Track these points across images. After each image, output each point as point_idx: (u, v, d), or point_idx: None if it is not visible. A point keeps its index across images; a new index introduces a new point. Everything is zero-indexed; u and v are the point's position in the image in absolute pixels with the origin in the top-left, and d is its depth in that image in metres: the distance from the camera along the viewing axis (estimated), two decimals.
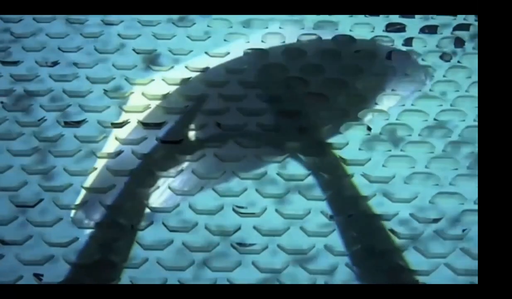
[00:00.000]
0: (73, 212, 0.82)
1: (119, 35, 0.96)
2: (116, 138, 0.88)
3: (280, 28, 0.96)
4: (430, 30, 0.97)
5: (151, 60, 0.94)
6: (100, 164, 0.86)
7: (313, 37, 0.95)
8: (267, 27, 0.96)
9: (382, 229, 0.81)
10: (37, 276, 0.79)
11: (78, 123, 0.89)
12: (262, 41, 0.95)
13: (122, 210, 0.83)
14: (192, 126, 0.89)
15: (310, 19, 0.97)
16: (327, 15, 0.97)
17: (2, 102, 0.90)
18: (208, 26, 0.97)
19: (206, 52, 0.94)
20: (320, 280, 0.78)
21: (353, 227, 0.82)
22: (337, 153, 0.87)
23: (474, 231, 0.81)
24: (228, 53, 0.94)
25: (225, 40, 0.95)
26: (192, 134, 0.88)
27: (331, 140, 0.88)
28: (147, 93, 0.91)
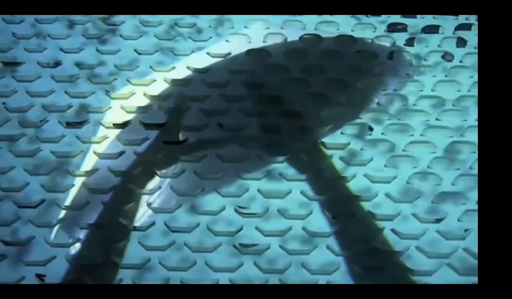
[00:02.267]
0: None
1: (120, 36, 0.96)
2: (117, 139, 0.88)
3: (281, 28, 0.96)
4: (432, 30, 0.97)
5: (152, 61, 0.94)
6: (101, 165, 0.86)
7: (315, 37, 0.95)
8: (268, 28, 0.96)
9: (379, 229, 0.81)
10: (39, 276, 0.79)
11: (80, 124, 0.89)
12: (264, 42, 0.95)
13: (120, 210, 0.83)
14: (191, 127, 0.89)
15: (311, 20, 0.97)
16: (328, 15, 0.97)
17: (3, 103, 0.90)
18: (209, 26, 0.97)
19: (207, 53, 0.94)
20: (322, 281, 0.78)
21: (352, 227, 0.82)
22: (335, 153, 0.87)
23: (476, 231, 0.81)
24: (230, 53, 0.94)
25: (226, 40, 0.95)
26: (192, 135, 0.88)
27: (330, 140, 0.88)
28: (148, 94, 0.92)
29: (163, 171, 0.86)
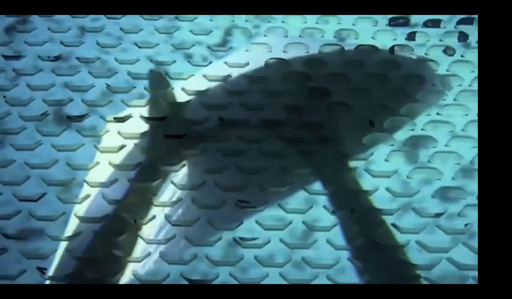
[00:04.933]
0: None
1: (121, 29, 0.96)
2: (119, 133, 0.88)
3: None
4: (434, 24, 0.96)
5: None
6: (102, 159, 0.86)
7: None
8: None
9: (383, 224, 0.81)
10: (41, 269, 0.79)
11: (80, 118, 0.89)
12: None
13: (127, 204, 0.83)
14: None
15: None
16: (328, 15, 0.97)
17: (4, 97, 0.91)
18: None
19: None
20: (322, 275, 0.78)
21: (355, 221, 0.82)
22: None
23: (476, 226, 0.81)
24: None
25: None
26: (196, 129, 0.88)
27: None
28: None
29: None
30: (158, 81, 0.91)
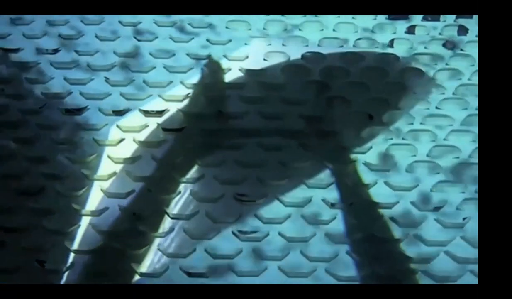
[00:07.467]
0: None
1: (120, 22, 0.96)
2: (118, 127, 0.88)
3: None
4: (433, 17, 0.96)
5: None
6: (102, 152, 0.87)
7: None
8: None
9: (381, 217, 0.81)
10: (40, 262, 0.79)
11: (79, 111, 0.89)
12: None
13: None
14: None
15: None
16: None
17: (2, 89, 0.91)
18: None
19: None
20: (321, 268, 0.78)
21: (354, 215, 0.82)
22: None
23: (474, 220, 0.81)
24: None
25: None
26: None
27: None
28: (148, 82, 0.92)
29: None
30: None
